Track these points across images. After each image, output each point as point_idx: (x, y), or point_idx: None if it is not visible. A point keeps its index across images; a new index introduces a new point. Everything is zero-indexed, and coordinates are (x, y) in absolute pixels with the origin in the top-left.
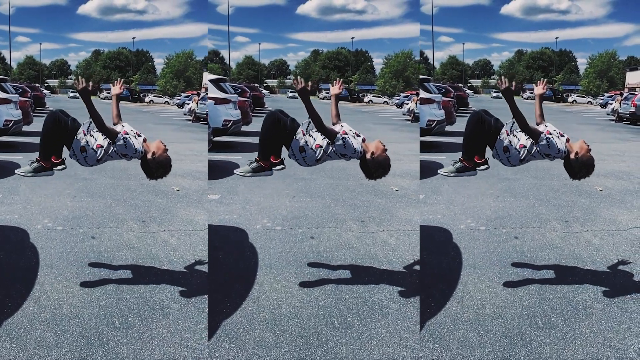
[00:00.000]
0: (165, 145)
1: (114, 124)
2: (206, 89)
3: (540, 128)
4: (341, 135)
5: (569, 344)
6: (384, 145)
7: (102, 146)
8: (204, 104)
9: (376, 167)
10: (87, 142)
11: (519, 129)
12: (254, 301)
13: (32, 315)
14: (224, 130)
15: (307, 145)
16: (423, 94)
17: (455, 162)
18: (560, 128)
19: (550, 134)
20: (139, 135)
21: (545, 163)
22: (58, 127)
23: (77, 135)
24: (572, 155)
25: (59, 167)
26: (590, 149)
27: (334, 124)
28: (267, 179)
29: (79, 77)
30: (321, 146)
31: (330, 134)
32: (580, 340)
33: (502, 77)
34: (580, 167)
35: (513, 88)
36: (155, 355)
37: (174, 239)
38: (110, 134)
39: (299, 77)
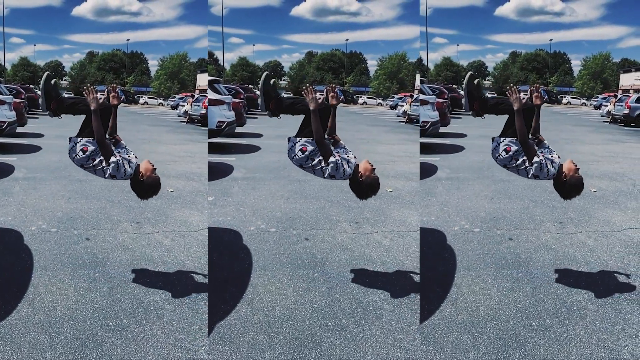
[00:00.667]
0: (153, 165)
1: (110, 138)
2: (200, 90)
3: (538, 151)
4: (336, 158)
5: (563, 345)
6: (372, 165)
7: (93, 160)
8: (198, 105)
9: (366, 189)
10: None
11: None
12: (248, 303)
13: (26, 317)
14: (217, 132)
15: (297, 148)
16: (422, 96)
17: None
18: (555, 130)
19: (545, 158)
20: (132, 161)
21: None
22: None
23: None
24: (561, 177)
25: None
26: (578, 169)
27: (328, 139)
28: (261, 181)
29: (91, 87)
30: (312, 159)
31: (326, 154)
32: (575, 341)
33: (513, 88)
34: (570, 189)
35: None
36: (149, 357)
37: (168, 240)
38: (106, 154)
39: (310, 87)
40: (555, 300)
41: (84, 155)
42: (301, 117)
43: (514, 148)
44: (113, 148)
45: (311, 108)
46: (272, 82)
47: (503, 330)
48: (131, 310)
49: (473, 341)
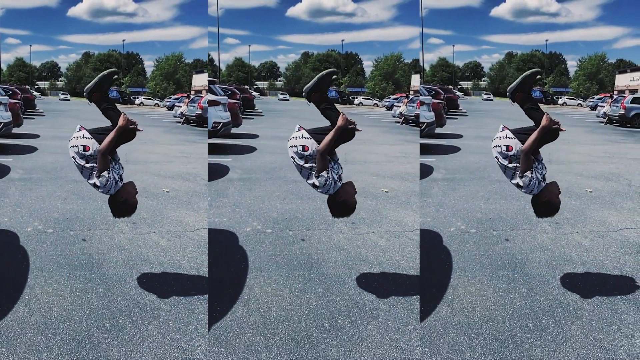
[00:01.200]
0: (136, 190)
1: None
2: (195, 91)
3: (530, 171)
4: (328, 175)
5: (560, 345)
6: (355, 190)
7: (87, 161)
8: (194, 106)
9: (341, 210)
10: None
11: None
12: (244, 304)
13: (22, 318)
14: (213, 133)
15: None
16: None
17: None
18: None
19: (536, 177)
20: (119, 182)
21: None
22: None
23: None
24: (541, 197)
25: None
26: (560, 192)
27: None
28: (257, 182)
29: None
30: (306, 161)
31: (321, 168)
32: (571, 341)
33: (547, 116)
34: (546, 210)
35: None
36: (145, 357)
37: (164, 241)
38: (101, 168)
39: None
40: (552, 301)
41: (82, 151)
42: (300, 120)
43: (514, 150)
44: (110, 161)
45: (338, 124)
46: (333, 78)
47: (499, 331)
48: (127, 311)
49: (469, 342)
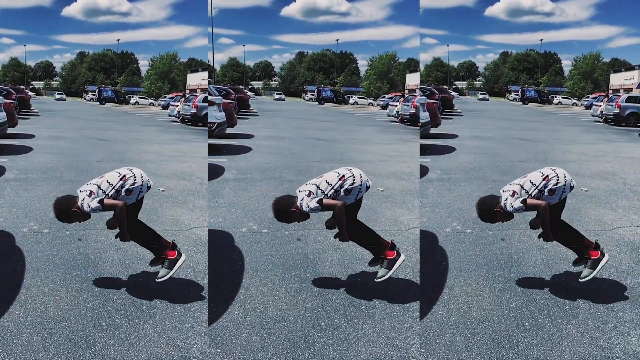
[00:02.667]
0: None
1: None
2: (190, 90)
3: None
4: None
5: (556, 344)
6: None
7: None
8: (188, 105)
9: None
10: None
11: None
12: (240, 305)
13: (18, 319)
14: (208, 133)
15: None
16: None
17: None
18: (547, 130)
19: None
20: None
21: (531, 164)
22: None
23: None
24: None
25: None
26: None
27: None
28: (253, 182)
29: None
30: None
31: (324, 208)
32: (567, 340)
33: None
34: (491, 217)
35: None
36: (142, 356)
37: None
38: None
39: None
40: (548, 300)
41: (93, 199)
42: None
43: (518, 203)
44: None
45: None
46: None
47: (496, 330)
48: (123, 310)
49: (466, 342)
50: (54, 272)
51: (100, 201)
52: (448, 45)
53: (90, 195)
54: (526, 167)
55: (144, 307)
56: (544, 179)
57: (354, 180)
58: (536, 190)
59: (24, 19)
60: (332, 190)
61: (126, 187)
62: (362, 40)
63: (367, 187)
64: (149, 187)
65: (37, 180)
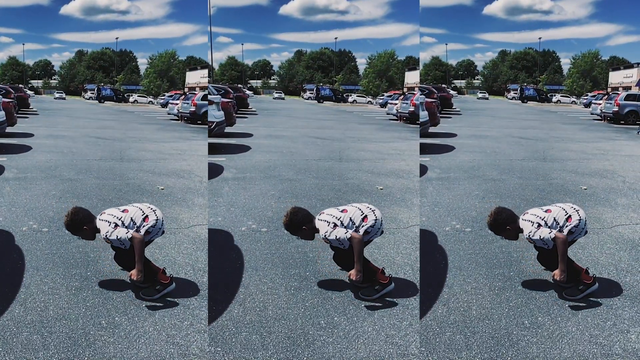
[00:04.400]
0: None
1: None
2: (189, 88)
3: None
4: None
5: (556, 342)
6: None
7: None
8: (187, 103)
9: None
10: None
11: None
12: (240, 303)
13: (18, 318)
14: (208, 131)
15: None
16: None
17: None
18: (546, 128)
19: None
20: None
21: (530, 163)
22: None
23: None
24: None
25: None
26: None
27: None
28: (252, 181)
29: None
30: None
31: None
32: (567, 338)
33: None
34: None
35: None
36: (142, 353)
37: (159, 238)
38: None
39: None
40: (547, 298)
41: (117, 230)
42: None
43: (548, 236)
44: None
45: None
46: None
47: (495, 329)
48: (123, 308)
49: (466, 341)
50: (53, 270)
51: (129, 236)
52: (446, 44)
53: (115, 227)
54: (525, 165)
55: (144, 305)
56: (567, 219)
57: (375, 222)
58: (558, 227)
59: (22, 17)
60: (355, 228)
61: (146, 227)
62: (361, 39)
63: (382, 232)
64: (162, 232)
65: (36, 179)
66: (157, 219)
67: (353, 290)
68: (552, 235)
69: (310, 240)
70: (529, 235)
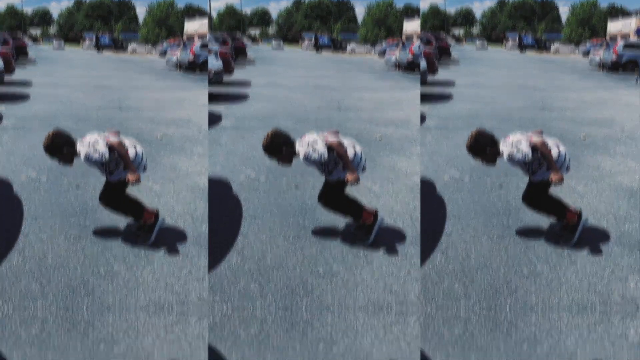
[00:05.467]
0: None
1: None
2: (188, 37)
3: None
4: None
5: (554, 291)
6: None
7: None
8: (186, 51)
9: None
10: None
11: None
12: (239, 252)
13: (16, 266)
14: (208, 80)
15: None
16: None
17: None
18: (545, 77)
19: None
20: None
21: (530, 112)
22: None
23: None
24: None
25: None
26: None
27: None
28: (250, 130)
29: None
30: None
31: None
32: (566, 286)
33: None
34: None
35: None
36: (140, 302)
37: (158, 186)
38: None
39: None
40: (546, 247)
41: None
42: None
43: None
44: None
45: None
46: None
47: (494, 277)
48: (122, 257)
49: (464, 289)
50: (52, 219)
51: (108, 145)
52: None
53: (94, 147)
54: (525, 114)
55: (142, 254)
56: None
57: (354, 155)
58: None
59: None
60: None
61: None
62: None
63: (364, 168)
64: (145, 169)
65: (35, 128)
66: (136, 153)
67: (351, 240)
68: (529, 142)
69: (289, 166)
70: (510, 156)
